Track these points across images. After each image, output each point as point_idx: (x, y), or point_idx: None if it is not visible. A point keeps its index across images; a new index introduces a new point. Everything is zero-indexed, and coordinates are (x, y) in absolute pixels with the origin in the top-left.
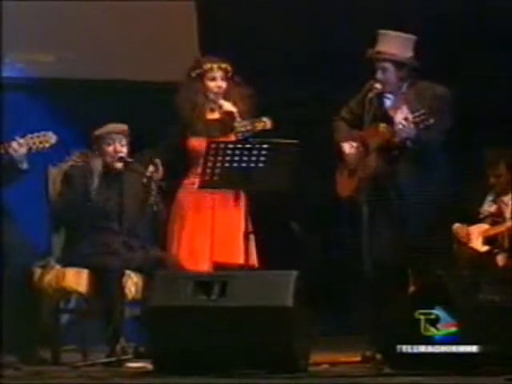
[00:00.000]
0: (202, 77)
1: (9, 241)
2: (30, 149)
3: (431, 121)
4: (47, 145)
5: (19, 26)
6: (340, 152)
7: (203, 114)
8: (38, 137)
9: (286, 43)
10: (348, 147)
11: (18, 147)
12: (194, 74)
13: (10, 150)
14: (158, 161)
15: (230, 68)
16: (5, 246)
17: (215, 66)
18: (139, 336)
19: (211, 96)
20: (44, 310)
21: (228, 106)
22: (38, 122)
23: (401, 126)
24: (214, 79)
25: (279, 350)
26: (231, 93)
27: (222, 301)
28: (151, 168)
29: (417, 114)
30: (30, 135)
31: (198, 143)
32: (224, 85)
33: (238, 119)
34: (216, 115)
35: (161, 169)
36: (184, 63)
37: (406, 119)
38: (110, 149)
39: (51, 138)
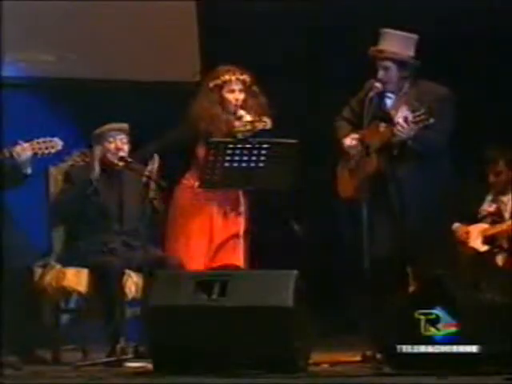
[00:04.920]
0: (220, 88)
1: (9, 241)
2: (35, 154)
3: (431, 120)
4: (53, 150)
5: (19, 26)
6: (342, 149)
7: (219, 126)
8: (45, 142)
9: (286, 43)
10: (349, 140)
11: (22, 151)
12: (211, 85)
13: (14, 154)
14: (156, 157)
15: (248, 79)
16: (5, 245)
17: (234, 78)
18: (139, 336)
19: (229, 108)
20: (44, 309)
21: (248, 118)
22: (39, 122)
23: (399, 127)
24: (232, 91)
25: (279, 350)
26: (249, 104)
27: (222, 301)
28: (149, 167)
29: (417, 113)
30: (36, 140)
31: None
32: (242, 96)
33: (258, 126)
34: (232, 127)
35: (156, 165)
36: (184, 63)
37: (405, 119)
38: (112, 146)
39: (57, 144)
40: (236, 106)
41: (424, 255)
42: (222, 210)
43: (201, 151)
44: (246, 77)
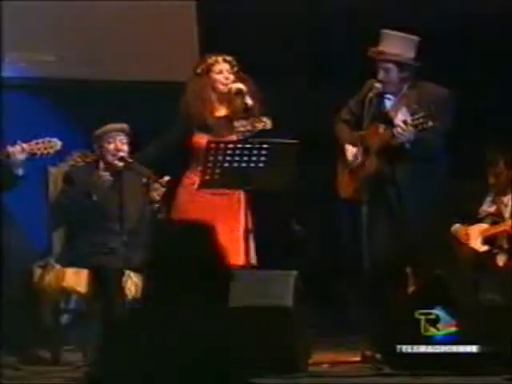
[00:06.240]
0: (208, 71)
1: (9, 241)
2: (34, 154)
3: (430, 123)
4: (52, 151)
5: (19, 25)
6: (342, 151)
7: (212, 109)
8: (43, 143)
9: (286, 43)
10: (350, 154)
11: (18, 152)
12: (199, 70)
13: (10, 155)
14: (166, 178)
15: (235, 62)
16: (5, 246)
17: (220, 58)
18: None
19: (220, 88)
20: (44, 310)
21: (237, 85)
22: (38, 123)
23: (399, 129)
24: (220, 72)
25: (279, 350)
26: None
27: None
28: (159, 189)
29: (416, 116)
30: (34, 141)
31: (204, 140)
32: (231, 77)
33: (248, 99)
34: (224, 111)
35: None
36: (184, 63)
37: (404, 122)
38: (111, 147)
39: (56, 144)
40: (226, 85)
41: (424, 255)
42: (223, 209)
43: (197, 139)
44: (231, 59)
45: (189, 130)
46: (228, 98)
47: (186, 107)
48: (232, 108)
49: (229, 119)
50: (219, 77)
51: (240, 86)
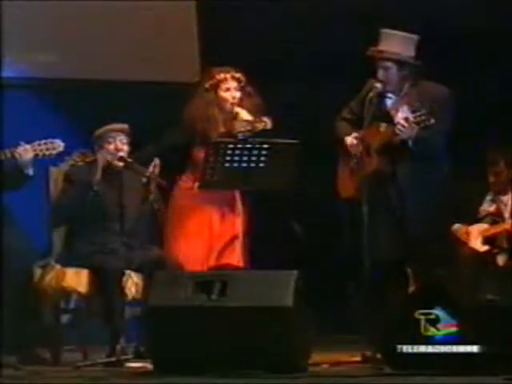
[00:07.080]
0: (215, 88)
1: (9, 241)
2: (36, 155)
3: (432, 121)
4: (54, 152)
5: (19, 25)
6: (342, 149)
7: (217, 126)
8: (46, 144)
9: (286, 43)
10: (350, 139)
11: (24, 152)
12: (207, 85)
13: (16, 155)
14: (157, 161)
15: (243, 78)
16: (5, 246)
17: (229, 76)
18: (139, 336)
19: (226, 106)
20: (44, 310)
21: (244, 114)
22: (39, 123)
23: (400, 127)
24: (228, 90)
25: (279, 350)
26: (244, 103)
27: (221, 301)
28: (150, 168)
29: (417, 113)
30: (37, 142)
31: (203, 155)
32: (238, 94)
33: (254, 125)
34: (227, 128)
35: (157, 169)
36: (184, 63)
37: (406, 119)
38: (111, 147)
39: (59, 145)
40: (232, 104)
41: (424, 255)
42: (220, 211)
43: (198, 153)
44: (240, 75)
45: (190, 141)
46: (233, 117)
47: (190, 121)
48: (235, 127)
49: (230, 134)
50: (226, 94)
51: (248, 117)
